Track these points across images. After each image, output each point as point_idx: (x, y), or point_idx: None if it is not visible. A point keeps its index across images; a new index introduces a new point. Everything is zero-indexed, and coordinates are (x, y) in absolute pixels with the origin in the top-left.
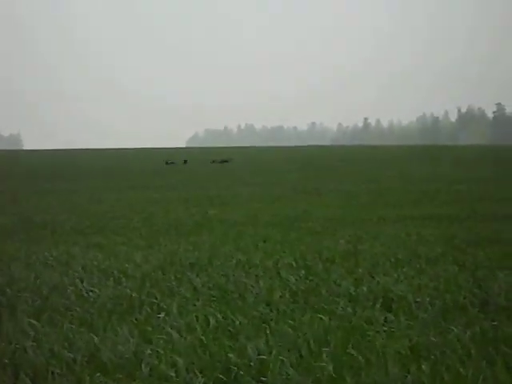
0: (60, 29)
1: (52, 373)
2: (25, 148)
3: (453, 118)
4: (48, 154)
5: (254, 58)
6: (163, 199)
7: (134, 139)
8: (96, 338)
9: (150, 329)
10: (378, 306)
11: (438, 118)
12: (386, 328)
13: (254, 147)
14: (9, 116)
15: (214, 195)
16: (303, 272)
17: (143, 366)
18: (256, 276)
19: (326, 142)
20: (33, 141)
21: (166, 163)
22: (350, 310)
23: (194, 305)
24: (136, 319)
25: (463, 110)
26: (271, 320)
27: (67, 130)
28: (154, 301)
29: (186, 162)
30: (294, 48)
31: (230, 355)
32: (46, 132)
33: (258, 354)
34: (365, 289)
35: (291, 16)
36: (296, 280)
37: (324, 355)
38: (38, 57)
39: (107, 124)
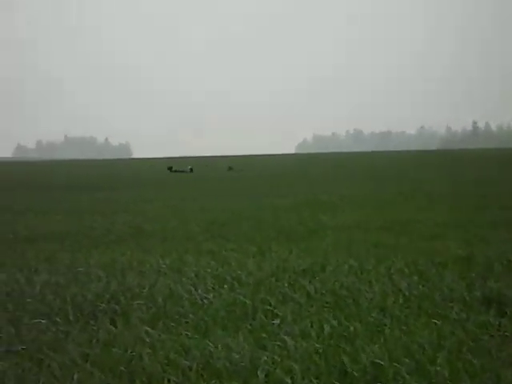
0: None
1: (168, 380)
2: (134, 156)
3: None
4: (156, 163)
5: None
6: (271, 206)
7: (246, 148)
8: (211, 345)
9: (264, 335)
10: (491, 311)
11: None
12: (500, 333)
13: (363, 152)
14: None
15: (324, 200)
16: (415, 277)
17: (259, 372)
18: (369, 282)
19: (434, 147)
20: (141, 150)
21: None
22: (463, 315)
23: (308, 311)
24: (250, 326)
25: None
26: (385, 325)
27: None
28: (268, 307)
29: (191, 170)
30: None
31: (345, 361)
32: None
33: (373, 360)
34: (478, 293)
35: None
36: (408, 285)
37: (439, 360)
38: None
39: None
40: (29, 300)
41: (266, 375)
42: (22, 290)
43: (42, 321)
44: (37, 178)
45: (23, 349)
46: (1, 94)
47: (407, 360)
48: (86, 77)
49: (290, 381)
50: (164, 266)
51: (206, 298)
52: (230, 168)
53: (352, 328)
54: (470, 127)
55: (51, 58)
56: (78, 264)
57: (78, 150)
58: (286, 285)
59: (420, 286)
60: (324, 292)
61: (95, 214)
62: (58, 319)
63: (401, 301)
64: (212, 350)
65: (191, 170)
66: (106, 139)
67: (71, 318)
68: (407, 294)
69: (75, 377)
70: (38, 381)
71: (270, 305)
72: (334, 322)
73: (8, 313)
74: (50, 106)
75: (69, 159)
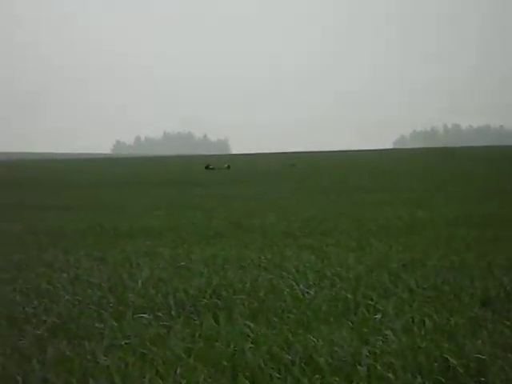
0: None
1: (270, 375)
2: (233, 153)
3: None
4: (253, 159)
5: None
6: (363, 201)
7: (337, 142)
8: (313, 340)
9: (366, 330)
10: None
11: None
12: None
13: (461, 147)
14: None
15: (419, 197)
16: None
17: (361, 367)
18: (470, 276)
19: None
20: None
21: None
22: None
23: (410, 306)
24: (352, 321)
25: None
26: (487, 320)
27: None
28: (370, 302)
29: (229, 167)
30: None
31: (448, 356)
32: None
33: (476, 355)
34: None
35: None
36: (510, 280)
37: None
38: None
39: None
40: (131, 295)
41: (368, 370)
42: (124, 285)
43: (145, 315)
44: (134, 175)
45: (126, 343)
46: (100, 92)
47: (511, 354)
48: (192, 77)
49: (392, 376)
50: (265, 260)
51: (307, 292)
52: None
53: (454, 323)
54: None
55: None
56: (180, 259)
57: (176, 146)
58: (387, 279)
59: None
60: (426, 287)
61: (195, 209)
62: (160, 314)
63: (502, 295)
64: (314, 344)
65: (228, 167)
66: (205, 135)
67: (173, 312)
68: (508, 288)
69: (178, 371)
70: (142, 375)
71: (372, 299)
72: (436, 317)
73: (111, 307)
74: (150, 103)
75: (166, 155)
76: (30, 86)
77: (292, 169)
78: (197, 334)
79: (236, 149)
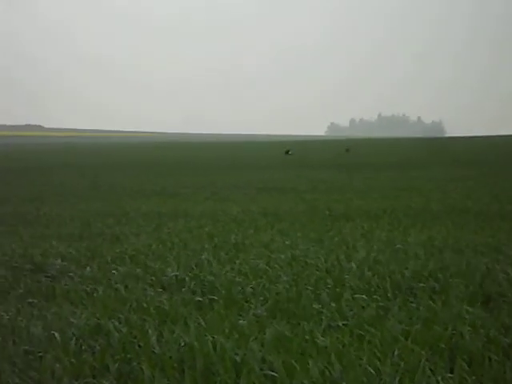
0: None
1: (489, 358)
2: (448, 135)
3: None
4: (473, 142)
5: None
6: None
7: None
8: None
9: None
10: None
11: None
12: None
13: None
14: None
15: None
16: None
17: None
18: None
19: None
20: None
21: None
22: None
23: None
24: None
25: None
26: None
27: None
28: None
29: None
30: None
31: None
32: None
33: None
34: None
35: None
36: None
37: None
38: None
39: None
40: (347, 276)
41: None
42: (341, 266)
43: (362, 296)
44: (346, 156)
45: (344, 324)
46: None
47: None
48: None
49: None
50: (481, 244)
51: None
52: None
53: None
54: None
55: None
56: (396, 241)
57: (391, 129)
58: None
59: None
60: None
61: (412, 191)
62: (377, 296)
63: None
64: None
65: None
66: (419, 118)
67: (389, 295)
68: None
69: (395, 353)
70: (359, 357)
71: None
72: None
73: (328, 288)
74: (361, 85)
75: (380, 137)
76: None
77: None
78: (414, 317)
79: (452, 131)
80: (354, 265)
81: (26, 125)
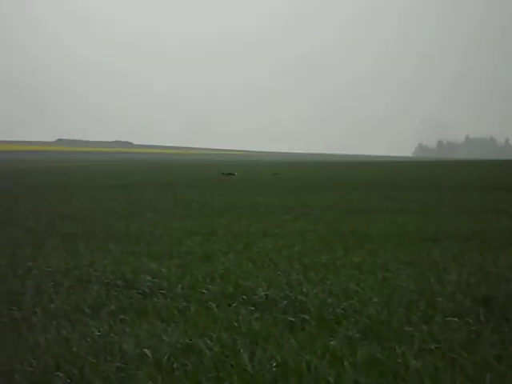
0: None
1: None
2: None
3: None
4: None
5: None
6: None
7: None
8: None
9: None
10: None
11: None
12: None
13: None
14: None
15: None
16: None
17: None
18: None
19: None
20: None
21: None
22: None
23: None
24: None
25: None
26: None
27: None
28: None
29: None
30: None
31: None
32: None
33: None
34: None
35: None
36: None
37: None
38: None
39: None
40: (439, 299)
41: None
42: (432, 289)
43: (454, 319)
44: (434, 178)
45: (436, 347)
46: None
47: None
48: None
49: None
50: None
51: None
52: None
53: None
54: None
55: None
56: (487, 264)
57: (479, 151)
58: None
59: None
60: None
61: (500, 213)
62: (469, 319)
63: None
64: None
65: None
66: (507, 140)
67: (482, 318)
68: None
69: (488, 377)
70: (452, 380)
71: None
72: None
73: (420, 311)
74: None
75: (467, 159)
76: None
77: None
78: (507, 341)
79: None
80: (445, 287)
81: (116, 141)
